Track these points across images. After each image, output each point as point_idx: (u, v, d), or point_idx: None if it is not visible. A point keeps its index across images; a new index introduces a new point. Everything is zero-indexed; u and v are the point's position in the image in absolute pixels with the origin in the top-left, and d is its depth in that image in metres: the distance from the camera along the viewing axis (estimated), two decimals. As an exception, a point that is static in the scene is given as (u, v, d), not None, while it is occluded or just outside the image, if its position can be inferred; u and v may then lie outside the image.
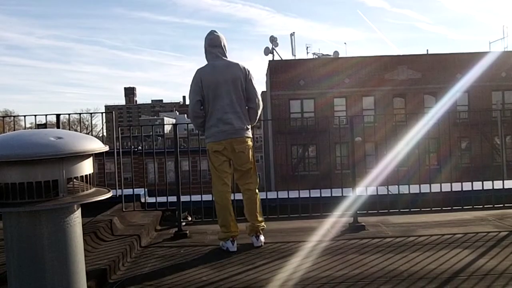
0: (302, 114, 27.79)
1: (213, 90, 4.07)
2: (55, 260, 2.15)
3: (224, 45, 4.23)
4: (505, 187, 5.26)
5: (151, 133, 6.03)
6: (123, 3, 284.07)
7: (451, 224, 4.76)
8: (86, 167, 2.24)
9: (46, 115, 5.47)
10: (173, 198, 4.98)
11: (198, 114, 4.14)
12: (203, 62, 4.27)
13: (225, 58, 4.21)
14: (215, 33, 4.25)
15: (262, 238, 4.18)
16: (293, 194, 5.15)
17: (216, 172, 4.11)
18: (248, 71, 4.20)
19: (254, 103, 4.18)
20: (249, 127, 4.21)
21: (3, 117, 7.50)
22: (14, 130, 5.61)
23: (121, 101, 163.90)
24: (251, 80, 4.20)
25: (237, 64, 4.18)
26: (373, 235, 4.41)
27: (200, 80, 4.11)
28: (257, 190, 4.22)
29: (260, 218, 4.20)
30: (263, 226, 4.24)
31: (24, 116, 5.73)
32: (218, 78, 4.08)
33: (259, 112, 4.26)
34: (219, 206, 4.13)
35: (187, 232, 4.62)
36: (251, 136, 4.21)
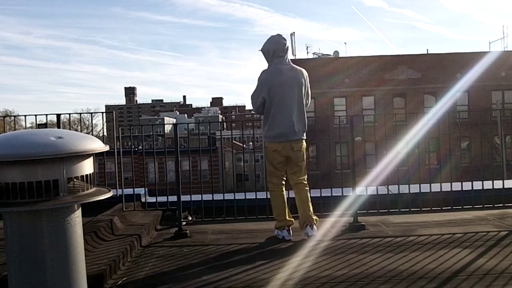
0: (302, 113, 27.77)
1: (278, 93, 4.34)
2: (55, 259, 2.15)
3: (288, 50, 4.49)
4: (505, 187, 5.26)
5: (151, 132, 6.02)
6: (121, 3, 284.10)
7: (451, 223, 4.76)
8: (87, 167, 2.24)
9: (46, 114, 5.45)
10: (173, 198, 4.98)
11: (262, 112, 4.52)
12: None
13: (289, 62, 4.47)
14: (284, 40, 4.45)
15: (315, 228, 4.36)
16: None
17: (273, 168, 4.50)
18: (307, 77, 4.51)
19: (306, 107, 4.51)
20: (306, 129, 4.50)
21: (4, 117, 7.50)
22: (15, 130, 5.61)
23: (121, 100, 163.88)
24: (309, 86, 4.54)
25: (301, 70, 4.48)
26: (373, 234, 4.41)
27: (265, 82, 4.39)
28: (307, 185, 4.55)
29: (311, 210, 4.44)
30: (316, 218, 4.47)
31: (25, 116, 5.73)
32: (283, 82, 4.36)
33: None
34: (274, 196, 4.50)
35: (188, 231, 4.62)
36: (305, 137, 4.52)
